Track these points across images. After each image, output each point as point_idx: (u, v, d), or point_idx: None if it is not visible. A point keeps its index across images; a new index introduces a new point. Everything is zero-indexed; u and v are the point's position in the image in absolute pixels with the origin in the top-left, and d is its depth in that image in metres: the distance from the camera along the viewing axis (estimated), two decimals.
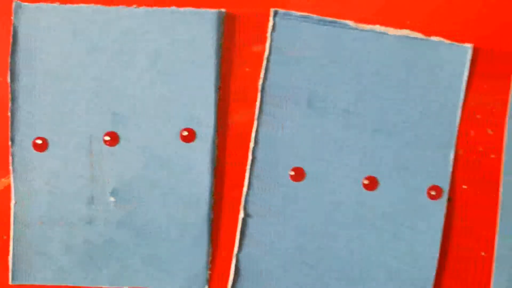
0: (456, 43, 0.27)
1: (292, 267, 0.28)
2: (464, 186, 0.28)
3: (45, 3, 0.27)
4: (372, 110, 0.27)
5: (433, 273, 0.28)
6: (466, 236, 0.28)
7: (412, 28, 0.27)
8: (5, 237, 0.28)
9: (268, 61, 0.27)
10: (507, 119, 0.28)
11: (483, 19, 0.27)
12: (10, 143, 0.27)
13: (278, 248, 0.28)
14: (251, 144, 0.27)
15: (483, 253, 0.28)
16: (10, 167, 0.27)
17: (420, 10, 0.27)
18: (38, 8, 0.26)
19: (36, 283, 0.27)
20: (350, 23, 0.27)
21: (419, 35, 0.27)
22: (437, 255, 0.28)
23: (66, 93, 0.27)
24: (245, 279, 0.28)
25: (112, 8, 0.26)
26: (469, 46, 0.27)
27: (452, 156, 0.28)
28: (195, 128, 0.27)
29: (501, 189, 0.28)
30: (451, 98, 0.27)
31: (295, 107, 0.27)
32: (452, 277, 0.28)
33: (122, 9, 0.26)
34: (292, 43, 0.27)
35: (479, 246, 0.28)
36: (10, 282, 0.27)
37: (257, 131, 0.27)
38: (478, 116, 0.28)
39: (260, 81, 0.27)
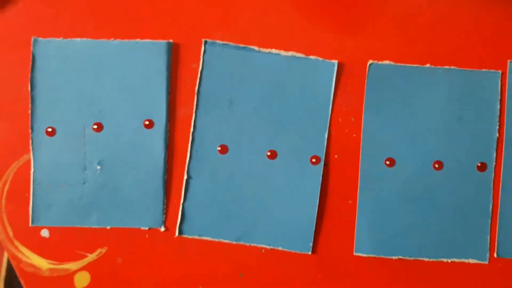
0: (326, 60, 0.41)
1: (221, 214, 0.41)
2: (336, 156, 0.41)
3: (55, 38, 0.41)
4: (272, 108, 0.41)
5: (314, 217, 0.41)
6: (337, 189, 0.41)
7: (297, 50, 0.41)
8: (26, 194, 0.41)
9: (201, 74, 0.41)
10: (363, 110, 0.41)
11: (348, 41, 0.41)
12: (30, 130, 0.41)
13: (210, 200, 0.41)
14: (191, 129, 0.41)
15: (350, 201, 0.41)
16: (30, 147, 0.41)
17: (302, 36, 0.41)
18: (49, 42, 0.40)
19: (47, 225, 0.41)
20: (255, 48, 0.41)
21: (302, 55, 0.41)
22: (317, 203, 0.41)
23: (69, 98, 0.40)
24: (188, 221, 0.41)
25: (94, 41, 0.40)
26: (335, 62, 0.41)
27: (326, 135, 0.41)
28: (154, 119, 0.41)
29: (361, 157, 0.41)
30: (324, 97, 0.41)
31: (220, 106, 0.41)
32: (328, 220, 0.41)
33: (99, 42, 0.40)
34: (217, 62, 0.41)
35: (347, 196, 0.41)
36: (30, 225, 0.41)
37: (195, 120, 0.41)
38: (344, 109, 0.41)
39: (196, 88, 0.41)
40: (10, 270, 0.44)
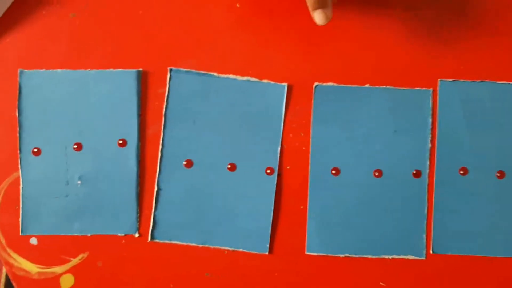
0: (277, 83, 0.47)
1: (188, 220, 0.47)
2: (288, 167, 0.47)
3: (39, 70, 0.46)
4: (231, 126, 0.46)
5: (270, 221, 0.47)
6: (290, 196, 0.47)
7: (252, 75, 0.47)
8: (16, 207, 0.47)
9: (167, 98, 0.47)
10: (311, 126, 0.47)
11: (296, 66, 0.47)
12: (18, 151, 0.47)
13: (178, 209, 0.47)
14: (160, 146, 0.47)
15: (301, 207, 0.47)
16: (19, 165, 0.47)
17: (256, 62, 0.47)
18: (33, 73, 0.46)
19: (35, 233, 0.47)
20: (215, 74, 0.47)
21: (256, 79, 0.47)
22: (272, 209, 0.46)
23: (52, 122, 0.46)
24: (159, 227, 0.47)
25: (73, 71, 0.46)
26: (285, 84, 0.47)
27: (279, 149, 0.47)
28: (127, 138, 0.46)
29: (310, 167, 0.47)
30: (277, 115, 0.47)
31: (185, 125, 0.47)
32: (283, 223, 0.47)
33: (77, 72, 0.46)
34: (181, 87, 0.46)
35: (298, 202, 0.47)
36: (20, 234, 0.47)
37: (163, 139, 0.47)
38: (294, 125, 0.47)
39: (164, 110, 0.47)
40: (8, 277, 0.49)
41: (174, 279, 0.46)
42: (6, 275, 0.51)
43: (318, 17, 0.40)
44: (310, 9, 0.39)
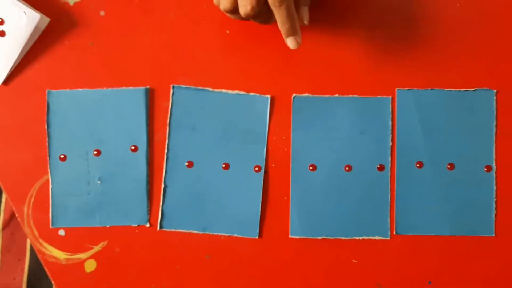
0: (262, 95, 0.56)
1: (190, 212, 0.56)
2: (273, 165, 0.56)
3: (63, 89, 0.56)
4: (224, 132, 0.56)
5: (259, 210, 0.55)
6: (275, 189, 0.56)
7: (241, 89, 0.56)
8: (47, 205, 0.56)
9: (171, 110, 0.56)
10: (291, 130, 0.56)
11: (277, 80, 0.56)
12: (48, 157, 0.56)
13: (182, 202, 0.56)
14: (166, 150, 0.56)
15: (285, 198, 0.56)
16: (48, 170, 0.56)
17: (244, 78, 0.56)
18: (59, 92, 0.56)
19: (63, 226, 0.56)
20: (210, 89, 0.56)
21: (244, 92, 0.56)
22: (260, 200, 0.55)
23: (76, 132, 0.55)
24: (166, 218, 0.56)
25: (92, 90, 0.56)
26: (268, 96, 0.56)
27: (265, 150, 0.56)
28: (138, 145, 0.56)
29: (291, 165, 0.56)
30: (262, 122, 0.56)
31: (186, 132, 0.56)
32: (269, 212, 0.56)
33: (96, 90, 0.55)
34: (182, 100, 0.56)
35: (282, 194, 0.56)
36: (50, 227, 0.56)
37: (168, 144, 0.56)
38: (277, 130, 0.56)
39: (168, 120, 0.56)
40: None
41: (179, 261, 0.55)
42: (28, 272, 0.60)
43: (291, 43, 0.49)
44: (283, 36, 0.49)
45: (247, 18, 0.46)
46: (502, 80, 0.55)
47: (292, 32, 0.47)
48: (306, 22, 0.51)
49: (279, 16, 0.46)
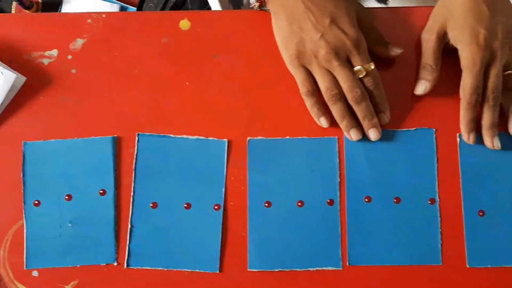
0: (220, 139, 0.62)
1: (155, 250, 0.60)
2: (231, 203, 0.61)
3: (37, 141, 0.61)
4: (186, 174, 0.60)
5: (219, 246, 0.59)
6: (234, 226, 0.60)
7: (200, 134, 0.62)
8: (21, 247, 0.60)
9: (136, 156, 0.61)
10: (247, 170, 0.61)
11: (233, 125, 0.61)
12: (23, 203, 0.61)
13: (148, 241, 0.60)
14: (132, 193, 0.61)
15: (243, 234, 0.60)
16: (23, 215, 0.61)
17: (203, 124, 0.62)
18: (33, 143, 0.61)
19: (36, 267, 0.60)
20: (172, 135, 0.62)
21: (203, 137, 0.62)
22: (220, 237, 0.59)
23: (49, 179, 0.60)
24: (133, 257, 0.60)
25: (64, 140, 0.61)
26: (225, 140, 0.62)
27: (223, 189, 0.61)
28: (106, 189, 0.61)
29: (248, 203, 0.60)
30: (220, 163, 0.61)
31: (151, 176, 0.61)
32: (229, 247, 0.59)
33: (67, 140, 0.61)
34: (147, 147, 0.61)
35: (240, 230, 0.60)
36: (24, 268, 0.60)
37: (134, 187, 0.61)
38: (235, 170, 0.61)
39: (134, 165, 0.61)
40: None
41: None
42: None
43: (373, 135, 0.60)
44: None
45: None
46: (440, 120, 0.60)
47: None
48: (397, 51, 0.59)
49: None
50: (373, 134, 0.57)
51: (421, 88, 0.59)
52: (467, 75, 0.56)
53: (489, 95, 0.56)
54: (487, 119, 0.57)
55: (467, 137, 0.57)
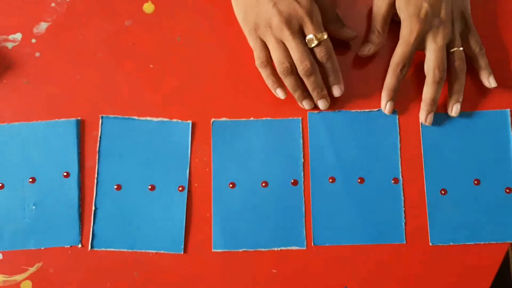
0: (184, 121, 0.62)
1: (119, 231, 0.60)
2: (196, 184, 0.61)
3: (3, 124, 0.61)
4: (149, 155, 0.61)
5: (183, 227, 0.60)
6: (198, 207, 0.60)
7: (164, 116, 0.62)
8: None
9: (100, 138, 0.61)
10: (212, 153, 0.62)
11: (197, 107, 0.62)
12: None
13: (111, 223, 0.60)
14: (96, 175, 0.61)
15: (208, 214, 0.60)
16: None
17: (166, 106, 0.62)
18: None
19: (1, 249, 0.60)
20: (136, 117, 0.62)
21: (167, 119, 0.62)
22: (184, 217, 0.59)
23: (13, 163, 0.60)
24: (97, 238, 0.59)
25: (29, 124, 0.61)
26: (189, 122, 0.62)
27: (188, 171, 0.61)
28: (70, 171, 0.61)
29: (212, 184, 0.61)
30: (185, 146, 0.61)
31: (115, 157, 0.61)
32: (193, 228, 0.60)
33: (31, 123, 0.61)
34: (111, 129, 0.61)
35: (205, 211, 0.60)
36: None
37: (98, 169, 0.61)
38: (199, 152, 0.62)
39: (97, 147, 0.61)
40: None
41: (110, 279, 0.58)
42: None
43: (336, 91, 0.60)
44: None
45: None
46: (403, 101, 0.61)
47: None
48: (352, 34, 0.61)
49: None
50: (321, 104, 0.59)
51: (366, 49, 0.61)
52: (399, 43, 0.58)
53: (434, 70, 0.57)
54: (428, 94, 0.58)
55: (384, 106, 0.60)
